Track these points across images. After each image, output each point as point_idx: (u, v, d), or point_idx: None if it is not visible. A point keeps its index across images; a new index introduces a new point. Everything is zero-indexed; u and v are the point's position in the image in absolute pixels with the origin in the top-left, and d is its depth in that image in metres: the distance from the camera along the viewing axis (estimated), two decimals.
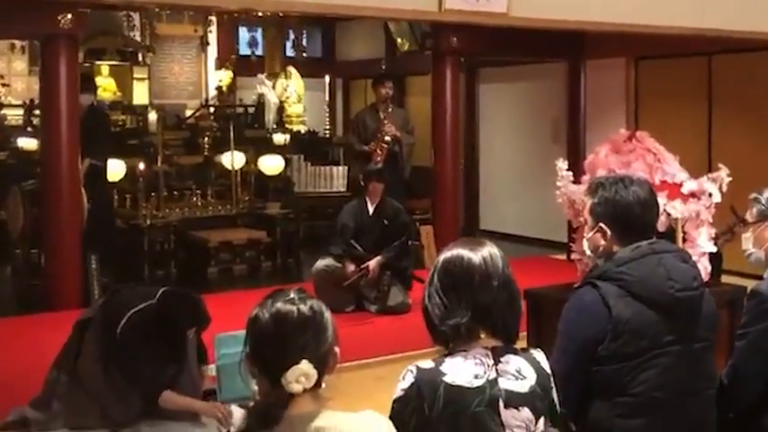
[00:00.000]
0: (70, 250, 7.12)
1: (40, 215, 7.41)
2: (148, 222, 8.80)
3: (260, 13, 11.13)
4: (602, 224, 2.85)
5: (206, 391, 4.56)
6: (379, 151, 8.98)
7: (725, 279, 6.39)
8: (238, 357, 2.11)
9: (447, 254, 2.38)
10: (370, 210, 7.31)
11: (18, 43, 11.53)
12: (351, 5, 7.14)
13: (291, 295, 2.09)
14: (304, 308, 2.06)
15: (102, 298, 4.06)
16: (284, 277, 8.87)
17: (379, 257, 7.12)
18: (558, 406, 2.42)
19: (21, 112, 10.92)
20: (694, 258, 3.34)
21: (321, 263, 7.21)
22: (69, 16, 6.86)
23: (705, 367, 2.81)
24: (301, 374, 1.99)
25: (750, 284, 3.38)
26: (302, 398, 2.02)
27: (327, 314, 2.10)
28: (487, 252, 2.36)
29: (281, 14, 11.24)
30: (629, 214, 2.82)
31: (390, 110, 9.26)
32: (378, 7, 7.26)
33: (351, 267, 7.09)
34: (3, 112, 11.22)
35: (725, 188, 4.91)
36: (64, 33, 6.97)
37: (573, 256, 5.33)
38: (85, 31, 7.98)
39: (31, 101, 10.49)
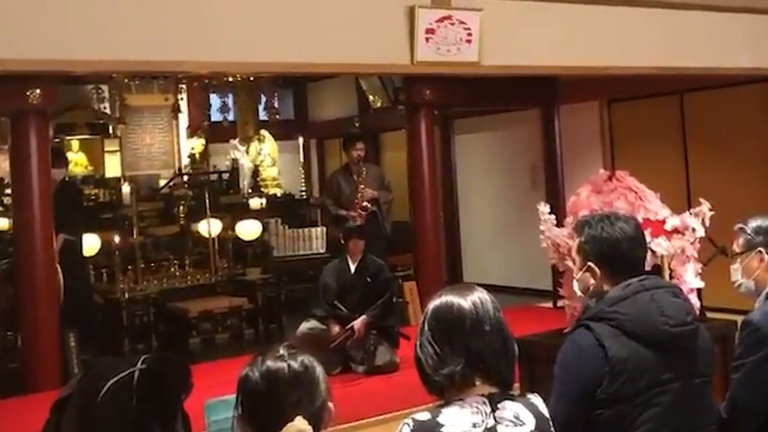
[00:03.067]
0: (48, 329, 6.96)
1: (16, 295, 7.26)
2: (126, 296, 8.66)
3: (230, 78, 11.16)
4: (590, 263, 2.83)
5: None
6: (358, 217, 8.88)
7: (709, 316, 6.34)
8: (229, 423, 2.06)
9: (436, 301, 2.33)
10: (352, 268, 7.21)
11: None
12: (322, 63, 7.14)
13: (281, 352, 2.06)
14: (295, 364, 2.03)
15: (80, 374, 3.91)
16: (268, 343, 8.70)
17: (364, 317, 7.01)
18: None
19: None
20: None
21: (305, 326, 7.10)
22: (38, 91, 6.80)
23: (705, 403, 2.77)
24: (296, 431, 1.94)
25: (737, 319, 3.36)
26: None
27: (319, 369, 2.07)
28: (477, 297, 2.31)
29: (251, 78, 11.29)
30: (618, 251, 2.80)
31: (365, 170, 9.17)
32: (350, 63, 7.26)
33: (336, 328, 6.98)
34: None
35: (707, 222, 4.91)
36: (33, 109, 6.89)
37: (560, 303, 5.28)
38: (55, 106, 7.92)
39: (1, 180, 10.40)
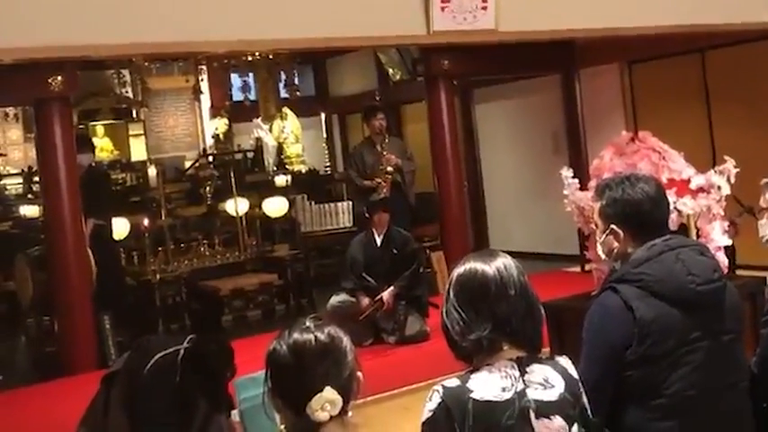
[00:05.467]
0: (82, 313, 7.05)
1: (49, 281, 7.35)
2: (158, 277, 8.73)
3: (250, 57, 11.17)
4: (613, 225, 2.81)
5: None
6: (383, 183, 8.89)
7: (739, 273, 6.31)
8: (260, 399, 2.07)
9: (460, 268, 2.34)
10: (378, 241, 7.24)
11: (11, 112, 11.56)
12: (339, 37, 7.12)
13: (308, 324, 2.08)
14: (322, 335, 2.05)
15: (129, 351, 3.92)
16: (299, 318, 8.75)
17: (392, 288, 7.04)
18: (588, 411, 2.35)
19: (20, 180, 10.96)
20: None
21: (335, 299, 7.14)
22: (60, 78, 6.83)
23: (736, 359, 2.75)
24: (326, 402, 1.96)
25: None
26: (330, 426, 1.98)
27: (346, 340, 2.09)
28: (501, 262, 2.32)
29: (270, 56, 11.29)
30: (640, 212, 2.77)
31: (387, 140, 9.18)
32: (366, 36, 7.23)
33: (365, 301, 7.03)
34: (2, 182, 11.23)
35: (732, 180, 4.88)
36: (56, 96, 6.93)
37: (588, 266, 5.28)
38: (77, 93, 7.97)
39: (30, 168, 10.52)
